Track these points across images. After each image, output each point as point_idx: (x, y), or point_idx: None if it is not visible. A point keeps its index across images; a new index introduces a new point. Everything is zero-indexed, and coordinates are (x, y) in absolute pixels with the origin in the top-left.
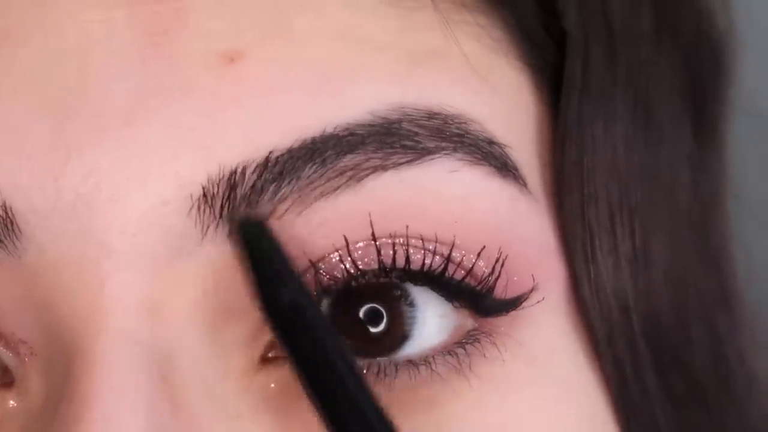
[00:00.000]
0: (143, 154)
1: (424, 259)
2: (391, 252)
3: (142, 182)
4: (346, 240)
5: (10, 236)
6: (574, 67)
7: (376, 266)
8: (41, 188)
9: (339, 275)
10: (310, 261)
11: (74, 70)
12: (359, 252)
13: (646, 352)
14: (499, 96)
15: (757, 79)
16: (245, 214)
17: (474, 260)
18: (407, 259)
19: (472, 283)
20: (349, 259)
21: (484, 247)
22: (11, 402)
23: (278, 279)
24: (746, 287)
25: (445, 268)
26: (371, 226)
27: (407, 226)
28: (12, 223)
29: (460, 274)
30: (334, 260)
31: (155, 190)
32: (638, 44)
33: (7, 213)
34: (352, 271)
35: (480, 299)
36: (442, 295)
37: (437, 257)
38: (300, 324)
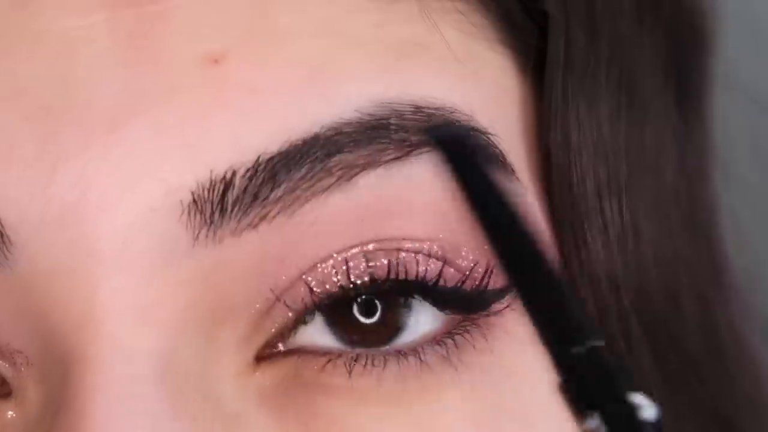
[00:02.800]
0: (130, 160)
1: (417, 267)
2: (385, 262)
3: (130, 189)
4: (345, 261)
5: (1, 248)
6: (556, 48)
7: (367, 279)
8: (30, 198)
9: (331, 289)
10: (301, 271)
11: (58, 78)
12: (352, 263)
13: (638, 328)
14: (482, 83)
15: (739, 51)
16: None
17: (471, 266)
18: (398, 272)
19: (465, 288)
20: (344, 269)
21: (478, 261)
22: (10, 413)
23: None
24: (734, 261)
25: (439, 278)
26: (363, 238)
27: (401, 241)
28: (2, 235)
29: (453, 281)
30: (325, 272)
31: (144, 196)
32: (620, 21)
33: None
34: (344, 284)
35: (470, 302)
36: (435, 306)
37: (433, 264)
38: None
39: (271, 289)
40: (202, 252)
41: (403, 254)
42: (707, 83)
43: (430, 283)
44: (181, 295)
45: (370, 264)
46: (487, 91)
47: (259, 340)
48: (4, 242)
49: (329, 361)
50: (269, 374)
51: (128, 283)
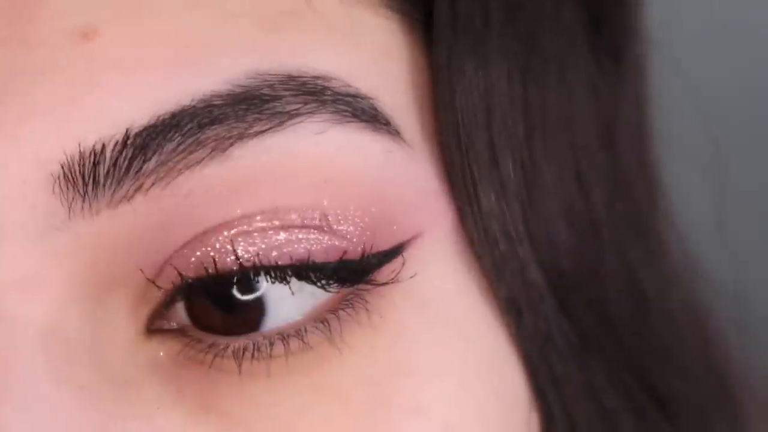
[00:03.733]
0: (2, 136)
1: (298, 246)
2: (252, 257)
3: (3, 163)
4: (213, 260)
5: None
6: (440, 10)
7: (237, 268)
8: None
9: (202, 274)
10: (170, 263)
11: None
12: (216, 258)
13: (543, 285)
14: (363, 48)
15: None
16: None
17: (356, 233)
18: (271, 274)
19: (349, 257)
20: (213, 268)
21: (359, 217)
22: None
23: None
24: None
25: (324, 253)
26: (234, 252)
27: (283, 212)
28: None
29: (337, 251)
30: (197, 263)
31: (16, 170)
32: None
33: None
34: (211, 272)
35: (354, 273)
36: (315, 284)
37: (312, 235)
38: None
39: (140, 270)
40: (80, 224)
41: (283, 234)
42: (631, 38)
43: (312, 261)
44: (63, 266)
45: (249, 247)
46: (369, 55)
47: (147, 310)
48: None
49: (216, 355)
50: (162, 347)
51: (8, 256)
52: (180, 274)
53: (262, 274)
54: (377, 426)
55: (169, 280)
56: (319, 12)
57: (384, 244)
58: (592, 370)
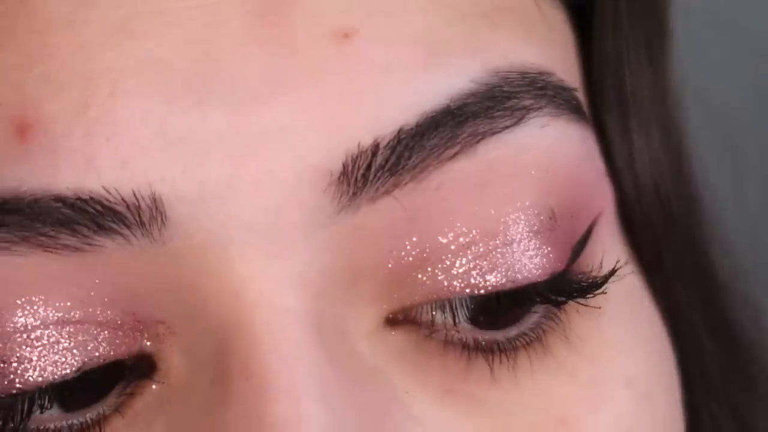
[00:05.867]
0: (279, 135)
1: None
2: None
3: (281, 162)
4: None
5: (156, 225)
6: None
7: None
8: (186, 176)
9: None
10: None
11: (196, 59)
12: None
13: (675, 234)
14: (557, 41)
15: None
16: None
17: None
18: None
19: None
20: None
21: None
22: (154, 386)
23: None
24: None
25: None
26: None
27: (511, 193)
28: (159, 212)
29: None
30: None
31: (292, 170)
32: None
33: (155, 203)
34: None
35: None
36: (550, 303)
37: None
38: None
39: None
40: (343, 219)
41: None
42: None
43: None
44: (322, 260)
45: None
46: (560, 47)
47: (391, 301)
48: (161, 219)
49: (467, 364)
50: (403, 336)
51: (278, 252)
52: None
53: None
54: (603, 399)
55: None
56: (522, 8)
57: (582, 228)
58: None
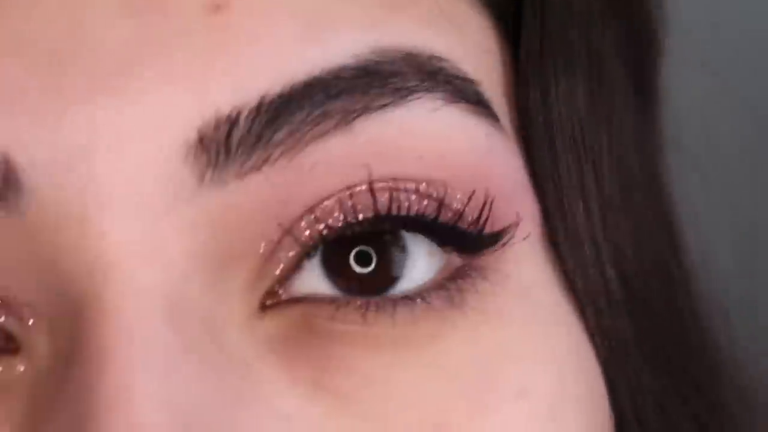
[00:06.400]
0: (137, 104)
1: (418, 205)
2: (386, 199)
3: (138, 131)
4: (343, 187)
5: (12, 190)
6: (533, 14)
7: (371, 214)
8: (39, 141)
9: (334, 224)
10: (305, 207)
11: (66, 27)
12: (353, 199)
13: (619, 288)
14: (467, 38)
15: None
16: None
17: (465, 203)
18: (400, 206)
19: (463, 225)
20: (349, 203)
21: (474, 191)
22: (20, 367)
23: None
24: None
25: (438, 214)
26: (369, 173)
27: (399, 181)
28: (13, 177)
29: (451, 219)
30: (328, 207)
31: (151, 137)
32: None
33: (8, 166)
34: (349, 218)
35: (469, 240)
36: (434, 241)
37: (431, 202)
38: None
39: (278, 224)
40: (208, 194)
41: (402, 193)
42: (657, 80)
43: (430, 218)
44: (187, 238)
45: (375, 197)
46: (470, 45)
47: (263, 286)
48: (14, 184)
49: (338, 308)
50: (276, 322)
51: (137, 226)
52: (315, 228)
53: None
54: (486, 408)
55: (293, 244)
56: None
57: (489, 229)
58: (660, 379)
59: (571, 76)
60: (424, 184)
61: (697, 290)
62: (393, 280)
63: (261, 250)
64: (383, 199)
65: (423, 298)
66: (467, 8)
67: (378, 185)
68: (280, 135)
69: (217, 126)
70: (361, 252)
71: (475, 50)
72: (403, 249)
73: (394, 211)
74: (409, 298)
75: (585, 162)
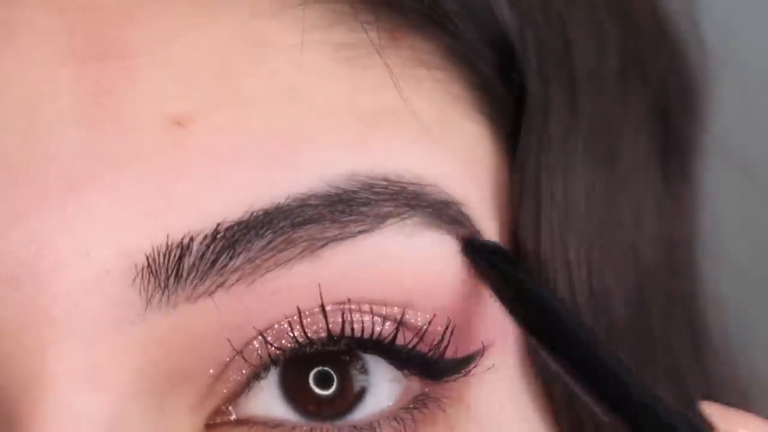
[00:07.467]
0: (87, 221)
1: (373, 327)
2: (340, 320)
3: (85, 250)
4: (298, 309)
5: None
6: (532, 120)
7: (324, 335)
8: None
9: (288, 344)
10: (258, 330)
11: (19, 132)
12: (308, 320)
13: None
14: (455, 152)
15: (733, 119)
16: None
17: (426, 327)
18: (354, 328)
19: (423, 349)
20: (299, 327)
21: (435, 315)
22: None
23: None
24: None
25: (395, 337)
26: (320, 296)
27: (351, 297)
28: None
29: (411, 342)
30: (282, 328)
31: (98, 258)
32: (603, 89)
33: None
34: (301, 340)
35: (430, 366)
36: (392, 364)
37: (388, 323)
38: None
39: (230, 345)
40: (156, 317)
41: (358, 314)
42: (695, 152)
43: (387, 340)
44: (132, 360)
45: (328, 320)
46: (459, 159)
47: (210, 406)
48: None
49: None
50: None
51: (78, 346)
52: (266, 348)
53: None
54: None
55: (243, 364)
56: (416, 113)
57: (452, 355)
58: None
59: (571, 188)
60: (381, 306)
61: None
62: (351, 405)
63: (211, 371)
64: (336, 318)
65: (373, 429)
66: (460, 117)
67: (330, 307)
68: (236, 262)
69: (168, 252)
70: (322, 373)
71: (464, 163)
72: (365, 371)
73: (348, 332)
74: (357, 428)
75: (577, 281)
